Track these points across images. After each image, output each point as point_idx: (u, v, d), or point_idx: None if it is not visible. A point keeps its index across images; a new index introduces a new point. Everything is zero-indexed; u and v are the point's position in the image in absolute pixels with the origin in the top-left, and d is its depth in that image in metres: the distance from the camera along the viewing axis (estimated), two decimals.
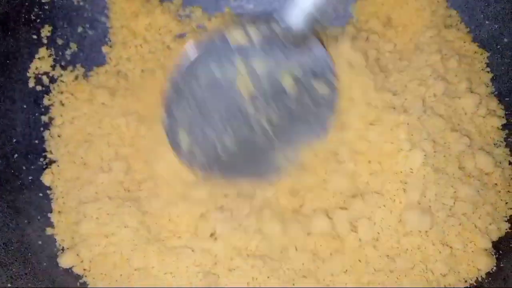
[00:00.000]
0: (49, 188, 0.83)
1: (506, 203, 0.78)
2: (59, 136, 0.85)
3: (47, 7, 0.88)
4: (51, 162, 0.85)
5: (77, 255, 0.76)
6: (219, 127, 0.72)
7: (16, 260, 0.73)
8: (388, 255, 0.72)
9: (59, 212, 0.80)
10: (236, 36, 0.70)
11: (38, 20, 0.87)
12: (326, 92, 0.72)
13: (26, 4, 0.86)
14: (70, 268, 0.76)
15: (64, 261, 0.76)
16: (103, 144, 0.83)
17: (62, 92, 0.88)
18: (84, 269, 0.76)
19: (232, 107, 0.71)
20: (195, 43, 0.71)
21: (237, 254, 0.74)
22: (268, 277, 0.73)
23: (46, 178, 0.83)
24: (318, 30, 0.70)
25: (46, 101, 0.88)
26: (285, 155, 0.74)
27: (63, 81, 0.89)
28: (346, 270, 0.71)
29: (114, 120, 0.85)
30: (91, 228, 0.76)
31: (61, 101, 0.88)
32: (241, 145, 0.73)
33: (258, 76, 0.70)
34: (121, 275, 0.74)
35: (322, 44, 0.71)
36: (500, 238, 0.76)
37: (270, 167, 0.75)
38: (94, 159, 0.83)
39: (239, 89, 0.71)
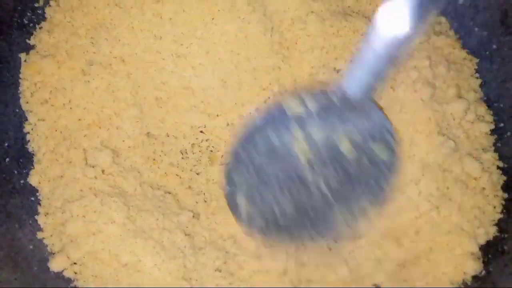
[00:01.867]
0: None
1: (494, 207, 0.79)
2: (37, 134, 0.84)
3: (40, 12, 0.88)
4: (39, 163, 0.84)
5: (68, 257, 0.75)
6: (277, 192, 0.72)
7: (6, 265, 0.73)
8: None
9: (46, 214, 0.80)
10: (293, 106, 0.70)
11: (31, 25, 0.88)
12: (386, 156, 0.71)
13: (19, 8, 0.86)
14: (61, 272, 0.76)
15: (55, 264, 0.75)
16: (81, 137, 0.83)
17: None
18: (75, 273, 0.76)
19: (290, 173, 0.71)
20: (255, 113, 0.73)
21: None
22: (244, 261, 0.76)
23: (33, 179, 0.82)
24: (374, 96, 0.69)
25: None
26: (344, 219, 0.73)
27: None
28: None
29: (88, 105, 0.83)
30: (78, 227, 0.75)
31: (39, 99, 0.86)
32: (299, 210, 0.72)
33: (315, 141, 0.70)
34: (110, 273, 0.74)
35: (380, 108, 0.71)
36: (489, 242, 0.77)
37: (329, 230, 0.74)
38: (76, 154, 0.82)
39: (296, 154, 0.70)
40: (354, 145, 0.70)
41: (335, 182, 0.71)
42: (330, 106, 0.69)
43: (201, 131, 0.87)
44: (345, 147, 0.70)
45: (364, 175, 0.71)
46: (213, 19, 0.86)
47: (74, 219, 0.76)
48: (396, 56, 0.65)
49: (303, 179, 0.71)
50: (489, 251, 0.76)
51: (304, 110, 0.70)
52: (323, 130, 0.70)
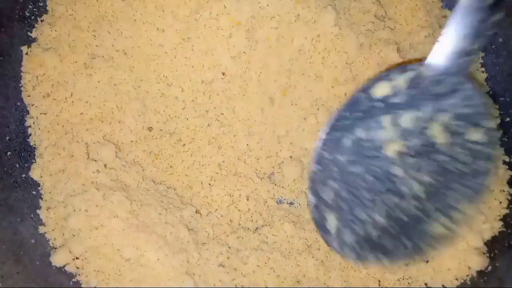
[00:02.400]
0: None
1: (500, 202, 0.78)
2: (39, 128, 0.84)
3: (41, 4, 0.88)
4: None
5: (70, 251, 0.75)
6: (367, 200, 0.64)
7: (8, 259, 0.73)
8: None
9: (48, 208, 0.79)
10: (380, 87, 0.63)
11: (33, 17, 0.87)
12: (484, 141, 0.62)
13: (21, 0, 0.85)
14: (63, 267, 0.75)
15: (57, 259, 0.75)
16: (84, 131, 0.82)
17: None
18: (77, 267, 0.75)
19: (379, 172, 0.63)
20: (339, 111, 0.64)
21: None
22: (248, 257, 0.76)
23: (35, 173, 0.81)
24: (468, 68, 0.62)
25: None
26: (443, 223, 0.65)
27: None
28: None
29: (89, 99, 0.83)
30: (81, 221, 0.75)
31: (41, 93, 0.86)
32: (391, 218, 0.64)
33: (404, 130, 0.62)
34: (112, 268, 0.74)
35: (475, 87, 0.62)
36: (495, 238, 0.76)
37: (427, 239, 0.65)
38: (78, 148, 0.82)
39: (384, 148, 0.63)
40: (447, 130, 0.61)
41: (428, 178, 0.62)
42: (421, 87, 0.61)
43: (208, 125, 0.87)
44: (437, 133, 0.61)
45: (460, 166, 0.62)
46: (216, 14, 0.85)
47: (76, 214, 0.76)
48: (481, 29, 0.60)
49: (392, 178, 0.63)
50: (495, 247, 0.76)
51: (393, 91, 0.61)
52: (413, 115, 0.61)
